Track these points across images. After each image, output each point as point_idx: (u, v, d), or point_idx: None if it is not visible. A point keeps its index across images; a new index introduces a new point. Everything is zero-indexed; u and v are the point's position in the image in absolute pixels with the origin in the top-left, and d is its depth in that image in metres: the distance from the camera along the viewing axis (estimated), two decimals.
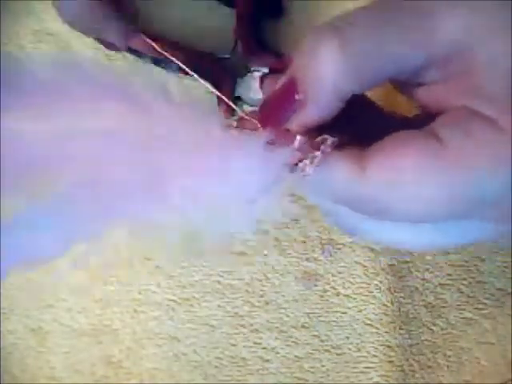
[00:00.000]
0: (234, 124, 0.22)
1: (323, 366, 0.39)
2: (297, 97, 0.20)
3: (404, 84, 0.22)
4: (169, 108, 0.20)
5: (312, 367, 0.39)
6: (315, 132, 0.21)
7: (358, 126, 0.22)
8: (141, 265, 0.41)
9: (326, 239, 0.40)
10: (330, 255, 0.39)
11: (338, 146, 0.21)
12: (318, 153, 0.20)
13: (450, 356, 0.38)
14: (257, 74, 0.38)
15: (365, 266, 0.39)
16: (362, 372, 0.38)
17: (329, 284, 0.39)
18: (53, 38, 0.41)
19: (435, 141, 0.19)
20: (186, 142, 0.20)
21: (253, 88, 0.38)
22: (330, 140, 0.20)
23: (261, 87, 0.24)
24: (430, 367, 0.38)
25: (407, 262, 0.39)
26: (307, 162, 0.20)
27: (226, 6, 0.40)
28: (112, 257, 0.41)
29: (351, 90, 0.20)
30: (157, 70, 0.40)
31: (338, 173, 0.20)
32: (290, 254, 0.40)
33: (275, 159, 0.20)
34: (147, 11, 0.41)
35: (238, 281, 0.40)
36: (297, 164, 0.21)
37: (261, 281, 0.40)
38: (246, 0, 0.39)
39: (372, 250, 0.39)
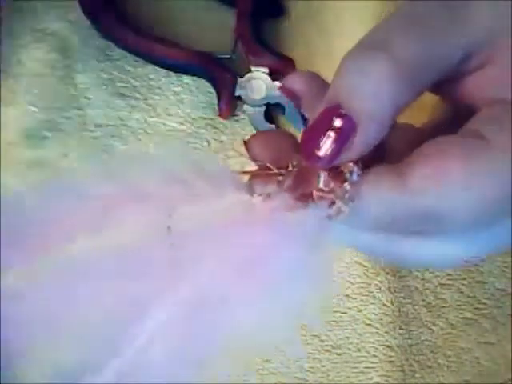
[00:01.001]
0: (249, 179, 0.19)
1: (323, 366, 0.39)
2: (349, 124, 0.19)
3: (437, 84, 0.22)
4: (172, 187, 0.19)
5: (312, 367, 0.39)
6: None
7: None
8: None
9: None
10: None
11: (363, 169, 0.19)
12: (346, 184, 0.19)
13: (449, 356, 0.38)
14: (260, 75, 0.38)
15: (365, 266, 0.39)
16: (361, 372, 0.38)
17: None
18: (53, 38, 0.41)
19: (478, 140, 0.19)
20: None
21: (254, 88, 0.38)
22: (354, 168, 0.19)
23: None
24: (429, 367, 0.38)
25: None
26: (340, 201, 0.19)
27: (226, 6, 0.40)
28: None
29: (406, 101, 0.19)
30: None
31: (379, 196, 0.19)
32: None
33: (309, 219, 0.19)
34: (147, 11, 0.41)
35: None
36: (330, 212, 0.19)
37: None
38: (246, 0, 0.39)
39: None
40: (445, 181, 0.19)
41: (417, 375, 0.38)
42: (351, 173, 0.19)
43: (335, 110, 0.19)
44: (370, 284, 0.39)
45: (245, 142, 0.21)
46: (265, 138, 0.21)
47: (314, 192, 0.19)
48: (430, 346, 0.38)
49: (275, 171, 0.20)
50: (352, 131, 0.19)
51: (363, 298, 0.39)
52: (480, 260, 0.39)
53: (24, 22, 0.42)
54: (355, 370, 0.38)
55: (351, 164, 0.19)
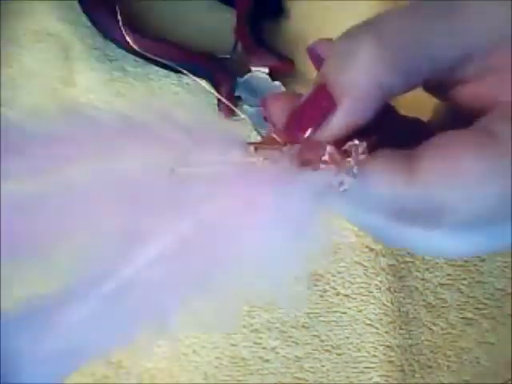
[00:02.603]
0: (254, 149, 0.20)
1: (323, 366, 0.39)
2: (329, 102, 0.19)
3: (439, 86, 0.22)
4: (180, 137, 0.19)
5: (312, 367, 0.39)
6: (340, 141, 0.20)
7: (381, 131, 0.21)
8: None
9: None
10: (331, 255, 0.39)
11: (369, 151, 0.19)
12: (350, 159, 0.19)
13: (449, 356, 0.38)
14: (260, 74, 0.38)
15: (365, 266, 0.39)
16: (361, 372, 0.38)
17: (329, 284, 0.39)
18: (53, 38, 0.41)
19: (489, 135, 0.19)
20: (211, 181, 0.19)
21: (254, 88, 0.38)
22: (360, 145, 0.19)
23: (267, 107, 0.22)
24: (430, 367, 0.38)
25: (407, 262, 0.39)
26: (343, 174, 0.19)
27: (226, 6, 0.40)
28: None
29: (393, 86, 0.19)
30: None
31: (384, 179, 0.19)
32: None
33: (311, 182, 0.19)
34: (147, 11, 0.41)
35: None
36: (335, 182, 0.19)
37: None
38: (246, 0, 0.39)
39: (372, 250, 0.39)
40: (456, 173, 0.19)
41: (417, 375, 0.38)
42: (356, 150, 0.19)
43: (321, 89, 0.19)
44: (369, 284, 0.39)
45: (263, 100, 0.22)
46: (283, 99, 0.22)
47: (319, 161, 0.19)
48: (430, 346, 0.38)
49: (280, 142, 0.20)
50: (332, 109, 0.19)
51: (363, 297, 0.39)
52: (480, 260, 0.39)
53: (24, 23, 0.42)
54: (355, 370, 0.38)
55: (357, 142, 0.19)
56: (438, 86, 0.22)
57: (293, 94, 0.22)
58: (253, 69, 0.38)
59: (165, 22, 0.41)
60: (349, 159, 0.19)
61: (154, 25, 0.40)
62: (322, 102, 0.19)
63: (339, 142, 0.20)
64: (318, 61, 0.22)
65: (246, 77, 0.38)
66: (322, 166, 0.19)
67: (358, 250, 0.39)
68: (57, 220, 0.19)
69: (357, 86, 0.19)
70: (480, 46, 0.20)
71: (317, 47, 0.22)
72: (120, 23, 0.39)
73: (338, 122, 0.19)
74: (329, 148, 0.19)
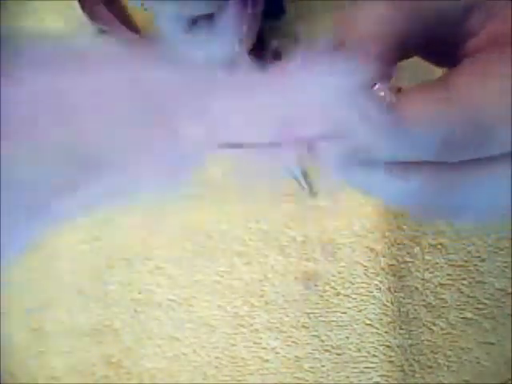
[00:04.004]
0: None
1: (323, 366, 0.39)
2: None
3: (447, 48, 0.21)
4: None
5: (312, 367, 0.39)
6: None
7: None
8: (141, 265, 0.41)
9: (326, 239, 0.40)
10: (331, 255, 0.39)
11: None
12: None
13: (450, 356, 0.38)
14: None
15: (365, 266, 0.39)
16: (362, 372, 0.38)
17: (329, 284, 0.39)
18: (53, 38, 0.41)
19: None
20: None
21: None
22: (385, 90, 0.19)
23: None
24: (430, 367, 0.38)
25: (407, 262, 0.39)
26: (387, 88, 0.18)
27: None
28: (113, 255, 0.41)
29: (406, 27, 0.19)
30: None
31: (425, 102, 0.18)
32: (289, 253, 0.40)
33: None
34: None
35: (238, 281, 0.40)
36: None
37: (261, 281, 0.40)
38: (246, 0, 0.39)
39: (372, 250, 0.39)
40: (495, 83, 0.18)
41: (417, 375, 0.38)
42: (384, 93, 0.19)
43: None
44: (369, 284, 0.39)
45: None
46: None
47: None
48: (430, 346, 0.38)
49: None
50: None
51: (363, 297, 0.39)
52: (480, 260, 0.39)
53: (24, 22, 0.42)
54: (355, 370, 0.38)
55: (381, 85, 0.19)
56: (445, 49, 0.21)
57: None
58: None
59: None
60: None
61: (154, 25, 0.40)
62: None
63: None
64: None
65: None
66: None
67: (358, 250, 0.39)
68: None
69: (374, 39, 0.19)
70: None
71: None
72: (120, 23, 0.39)
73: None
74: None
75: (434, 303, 0.39)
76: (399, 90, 0.19)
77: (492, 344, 0.38)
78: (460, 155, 0.20)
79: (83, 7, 0.40)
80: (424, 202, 0.21)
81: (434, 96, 0.19)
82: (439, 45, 0.21)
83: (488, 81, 0.18)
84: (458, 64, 0.19)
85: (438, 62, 0.23)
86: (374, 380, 0.38)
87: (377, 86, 0.19)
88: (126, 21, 0.40)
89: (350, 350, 0.38)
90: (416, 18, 0.20)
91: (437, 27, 0.20)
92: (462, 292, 0.39)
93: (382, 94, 0.19)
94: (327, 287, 0.39)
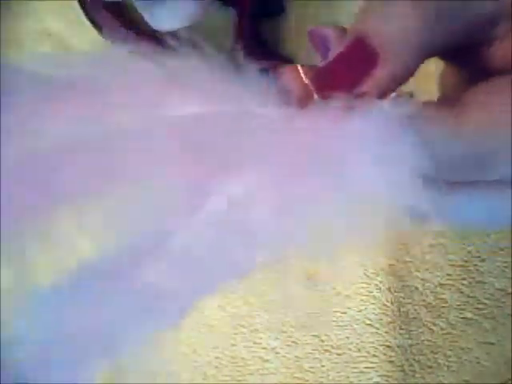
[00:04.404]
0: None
1: (323, 366, 0.39)
2: (370, 55, 0.19)
3: (468, 51, 0.21)
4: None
5: (312, 367, 0.39)
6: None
7: None
8: None
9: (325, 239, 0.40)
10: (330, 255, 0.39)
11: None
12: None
13: (450, 356, 0.38)
14: None
15: (365, 266, 0.39)
16: (361, 372, 0.38)
17: (329, 284, 0.39)
18: (53, 38, 0.41)
19: None
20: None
21: None
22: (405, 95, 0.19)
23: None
24: (430, 367, 0.38)
25: (407, 262, 0.39)
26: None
27: (226, 6, 0.40)
28: None
29: (432, 38, 0.19)
30: None
31: (435, 120, 0.19)
32: (290, 253, 0.40)
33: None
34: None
35: (238, 281, 0.40)
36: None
37: (261, 281, 0.40)
38: (246, 0, 0.39)
39: (372, 250, 0.39)
40: (501, 115, 0.18)
41: (417, 375, 0.38)
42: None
43: (359, 42, 0.19)
44: (369, 284, 0.39)
45: (278, 70, 0.21)
46: (301, 68, 0.21)
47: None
48: (430, 346, 0.38)
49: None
50: (374, 64, 0.19)
51: (363, 297, 0.39)
52: (480, 260, 0.39)
53: (24, 23, 0.42)
54: (355, 370, 0.38)
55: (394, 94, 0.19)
56: (468, 53, 0.21)
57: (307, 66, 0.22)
58: None
59: None
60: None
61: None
62: (360, 55, 0.19)
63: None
64: (321, 43, 0.21)
65: None
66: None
67: (358, 250, 0.39)
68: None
69: (400, 38, 0.19)
70: (506, 6, 0.20)
71: (320, 29, 0.22)
72: (120, 23, 0.39)
73: (383, 74, 0.19)
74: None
75: (433, 303, 0.38)
76: (411, 95, 0.19)
77: (492, 344, 0.38)
78: (458, 176, 0.20)
79: (87, 14, 0.40)
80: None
81: (446, 116, 0.19)
82: (463, 51, 0.21)
83: (495, 112, 0.19)
84: (479, 72, 0.20)
85: (459, 64, 0.23)
86: (374, 380, 0.38)
87: (393, 95, 0.19)
88: (127, 23, 0.40)
89: (350, 350, 0.38)
90: (442, 30, 0.19)
91: (462, 38, 0.20)
92: (461, 292, 0.39)
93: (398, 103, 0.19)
94: (327, 287, 0.39)
